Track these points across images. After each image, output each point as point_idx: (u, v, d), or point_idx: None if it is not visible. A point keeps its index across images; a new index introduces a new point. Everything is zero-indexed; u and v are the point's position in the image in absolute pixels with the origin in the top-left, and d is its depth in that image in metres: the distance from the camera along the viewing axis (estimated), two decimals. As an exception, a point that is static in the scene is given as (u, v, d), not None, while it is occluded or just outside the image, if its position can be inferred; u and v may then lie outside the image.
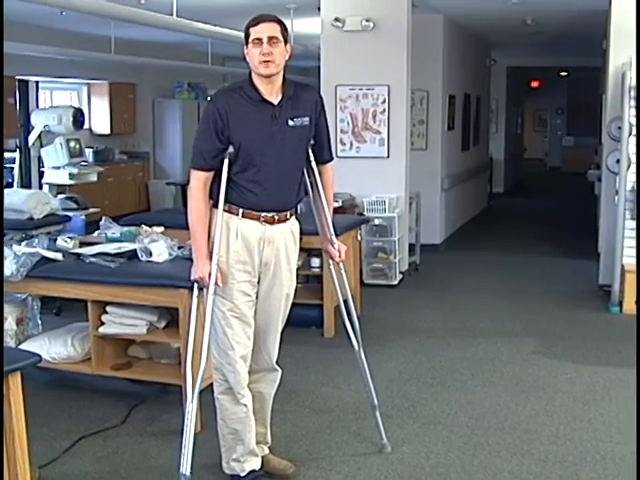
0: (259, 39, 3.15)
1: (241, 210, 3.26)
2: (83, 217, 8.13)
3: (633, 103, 6.39)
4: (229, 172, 3.23)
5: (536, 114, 23.52)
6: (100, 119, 12.31)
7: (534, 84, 20.82)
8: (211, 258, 3.22)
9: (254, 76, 3.23)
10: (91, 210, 8.04)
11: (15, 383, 2.52)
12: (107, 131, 12.32)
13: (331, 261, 3.65)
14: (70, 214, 7.27)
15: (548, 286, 7.53)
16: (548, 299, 7.01)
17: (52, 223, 6.53)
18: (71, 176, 8.12)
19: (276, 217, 3.30)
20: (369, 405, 3.87)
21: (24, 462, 2.56)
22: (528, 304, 6.86)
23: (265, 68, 3.16)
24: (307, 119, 3.31)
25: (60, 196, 7.87)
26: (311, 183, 3.51)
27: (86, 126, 10.63)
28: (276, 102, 3.24)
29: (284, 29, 3.21)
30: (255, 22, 3.18)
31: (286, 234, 3.36)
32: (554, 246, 9.73)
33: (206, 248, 3.24)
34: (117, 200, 11.57)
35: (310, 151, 3.43)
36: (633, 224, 6.46)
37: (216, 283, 3.21)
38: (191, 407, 3.21)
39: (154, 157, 13.23)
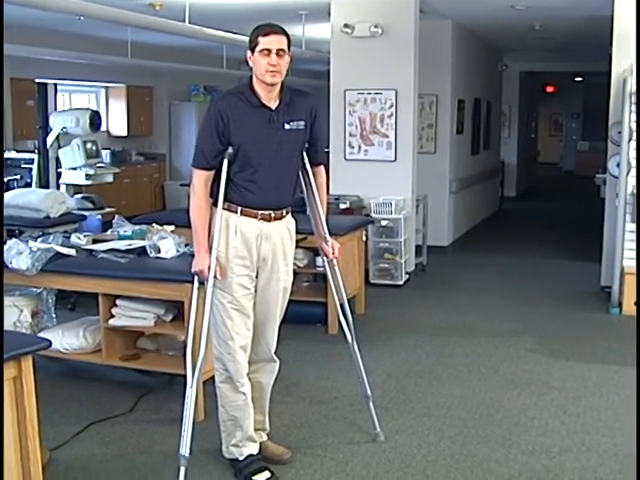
0: (269, 50, 3.32)
1: (240, 208, 3.45)
2: (99, 216, 8.34)
3: (634, 108, 6.53)
4: (228, 172, 3.42)
5: (552, 119, 23.63)
6: (117, 121, 12.57)
7: (549, 89, 20.92)
8: (211, 253, 3.41)
9: (255, 82, 3.42)
10: (107, 210, 8.25)
11: (27, 365, 2.74)
12: (124, 133, 12.56)
13: (325, 258, 3.85)
14: (86, 213, 7.48)
15: (552, 287, 7.68)
16: (551, 300, 7.16)
17: (68, 222, 6.73)
18: (87, 177, 8.33)
19: (273, 215, 3.49)
20: (363, 396, 4.06)
21: (34, 439, 2.76)
22: (530, 305, 7.00)
23: (272, 77, 3.35)
24: (302, 123, 3.49)
25: (77, 196, 8.10)
26: (306, 184, 3.71)
27: (104, 128, 10.89)
28: (274, 107, 3.43)
29: (289, 41, 3.39)
30: (265, 32, 3.34)
31: (282, 231, 3.55)
32: (561, 248, 9.87)
33: (206, 242, 3.43)
34: (133, 200, 11.78)
35: (305, 153, 3.61)
36: (633, 227, 6.60)
37: (215, 276, 3.40)
38: (190, 392, 3.40)
39: (170, 159, 13.48)
